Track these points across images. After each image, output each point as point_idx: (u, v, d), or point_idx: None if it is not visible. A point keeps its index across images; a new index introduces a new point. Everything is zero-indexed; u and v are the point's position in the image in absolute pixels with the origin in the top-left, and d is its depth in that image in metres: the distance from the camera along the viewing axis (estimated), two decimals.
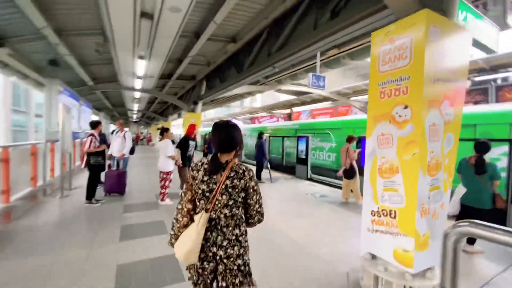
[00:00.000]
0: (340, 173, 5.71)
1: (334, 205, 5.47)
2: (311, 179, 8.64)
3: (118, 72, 8.82)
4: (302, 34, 4.77)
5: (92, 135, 4.98)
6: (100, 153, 5.03)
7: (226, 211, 1.40)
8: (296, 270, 2.78)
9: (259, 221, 1.53)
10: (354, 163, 5.68)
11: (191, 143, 5.55)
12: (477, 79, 12.36)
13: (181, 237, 1.40)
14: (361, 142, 6.70)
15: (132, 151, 6.30)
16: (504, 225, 4.06)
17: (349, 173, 5.63)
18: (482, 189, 3.25)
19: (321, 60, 9.66)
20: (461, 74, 2.38)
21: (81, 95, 11.67)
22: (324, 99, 17.66)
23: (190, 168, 1.50)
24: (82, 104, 11.18)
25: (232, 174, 1.40)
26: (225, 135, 1.44)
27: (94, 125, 5.24)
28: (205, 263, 1.38)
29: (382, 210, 2.37)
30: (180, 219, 1.48)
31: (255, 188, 1.47)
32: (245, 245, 1.45)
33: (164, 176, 5.11)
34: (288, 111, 25.43)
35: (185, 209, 1.48)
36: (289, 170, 10.72)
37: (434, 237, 2.27)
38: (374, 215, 2.44)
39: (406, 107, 2.21)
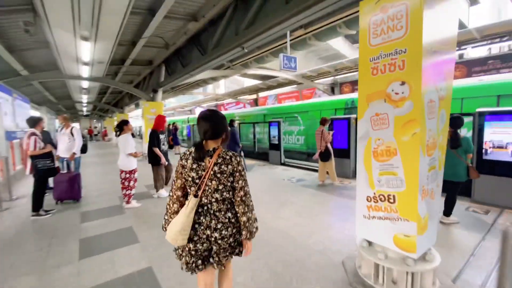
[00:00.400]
0: (317, 156, 5.65)
1: (312, 189, 5.41)
2: (284, 164, 8.56)
3: (58, 58, 7.48)
4: (273, 9, 4.37)
5: (33, 134, 4.10)
6: (47, 155, 4.20)
7: (217, 195, 1.47)
8: (290, 266, 2.58)
9: (244, 214, 1.51)
10: (329, 145, 5.64)
11: (161, 137, 4.99)
12: None
13: (171, 222, 1.49)
14: (333, 124, 6.73)
15: (84, 149, 5.44)
16: (469, 195, 4.39)
17: (325, 156, 5.59)
18: (457, 163, 3.35)
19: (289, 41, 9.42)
20: (452, 45, 2.27)
21: (14, 88, 9.85)
22: (290, 82, 17.64)
23: (179, 158, 1.54)
24: (16, 98, 9.46)
25: (219, 160, 1.46)
26: (210, 123, 1.49)
27: (34, 122, 4.34)
28: (198, 244, 1.47)
29: (379, 195, 2.23)
30: (171, 205, 1.57)
31: (242, 173, 1.52)
32: (237, 225, 1.54)
33: (127, 176, 4.50)
34: (254, 96, 25.09)
35: (175, 196, 1.56)
36: (262, 156, 10.54)
37: (432, 218, 2.21)
38: (370, 200, 2.29)
39: (403, 83, 2.02)
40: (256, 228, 1.57)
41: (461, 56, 13.22)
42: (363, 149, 2.33)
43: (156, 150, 4.86)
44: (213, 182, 1.45)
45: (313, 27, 7.83)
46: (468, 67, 12.28)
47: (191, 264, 1.48)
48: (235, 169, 1.48)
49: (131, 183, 4.56)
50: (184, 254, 1.50)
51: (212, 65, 7.20)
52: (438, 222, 3.31)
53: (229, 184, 1.49)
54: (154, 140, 4.88)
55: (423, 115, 1.96)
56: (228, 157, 1.48)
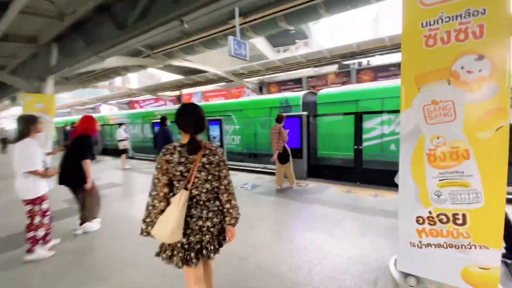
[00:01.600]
0: (275, 157, 4.94)
1: (273, 197, 4.67)
2: (230, 168, 7.55)
3: None
4: None
5: None
6: None
7: (207, 185, 1.51)
8: None
9: (229, 202, 1.58)
10: (287, 145, 5.03)
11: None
12: (345, 62, 14.84)
13: (160, 220, 1.43)
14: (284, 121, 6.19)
15: None
16: None
17: (284, 157, 4.95)
18: None
19: (223, 31, 8.42)
20: None
21: None
22: (219, 79, 16.62)
23: (162, 154, 1.48)
24: None
25: (207, 152, 1.51)
26: (199, 116, 1.52)
27: None
28: (191, 237, 1.46)
29: (438, 215, 1.60)
30: (157, 204, 1.48)
31: (226, 163, 1.60)
32: (222, 212, 1.60)
33: (30, 207, 2.65)
34: (176, 93, 22.75)
35: (162, 194, 1.48)
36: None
37: None
38: (423, 222, 1.65)
39: (480, 57, 1.44)
40: (239, 214, 1.63)
41: (368, 62, 15.32)
42: (410, 152, 1.66)
43: (88, 165, 3.13)
44: (203, 173, 1.48)
45: (253, 16, 7.15)
46: (375, 72, 14.21)
47: (184, 259, 1.45)
48: (220, 159, 1.55)
49: (37, 219, 2.68)
50: (176, 251, 1.47)
51: (132, 45, 5.49)
52: None
53: (217, 173, 1.54)
54: (87, 150, 3.19)
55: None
56: (214, 148, 1.55)
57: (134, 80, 44.19)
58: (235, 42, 5.16)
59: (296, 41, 36.89)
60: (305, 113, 6.06)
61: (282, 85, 17.41)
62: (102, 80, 15.78)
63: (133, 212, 4.15)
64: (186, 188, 1.45)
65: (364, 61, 15.26)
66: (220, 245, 1.59)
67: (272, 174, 6.56)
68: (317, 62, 13.01)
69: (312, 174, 6.07)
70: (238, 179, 6.03)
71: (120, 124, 8.54)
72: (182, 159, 1.46)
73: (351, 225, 3.34)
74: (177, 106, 14.57)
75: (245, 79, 16.42)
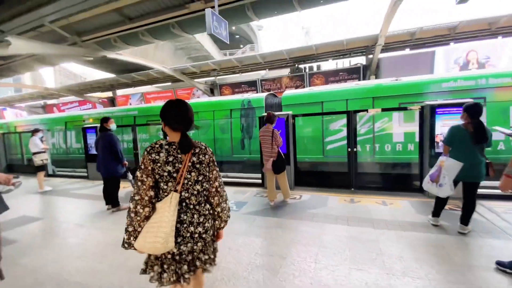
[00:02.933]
0: (269, 167, 3.92)
1: (270, 217, 3.65)
2: None
3: None
4: None
5: None
6: None
7: (198, 187, 1.40)
8: None
9: (219, 205, 1.49)
10: (281, 151, 4.09)
11: None
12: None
13: (148, 227, 1.28)
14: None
15: None
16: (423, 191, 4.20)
17: (279, 166, 3.98)
18: (481, 160, 2.76)
19: (178, 16, 7.00)
20: None
21: None
22: (165, 78, 14.63)
23: (146, 153, 1.35)
24: None
25: (197, 150, 1.41)
26: (189, 113, 1.42)
27: None
28: (182, 246, 1.33)
29: None
30: (141, 210, 1.32)
31: (215, 163, 1.50)
32: (210, 217, 1.47)
33: None
34: (108, 94, 19.39)
35: (147, 198, 1.33)
36: None
37: None
38: None
39: None
40: (229, 217, 1.56)
41: (319, 67, 15.76)
42: None
43: None
44: (193, 173, 1.38)
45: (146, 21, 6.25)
46: (325, 77, 14.61)
47: (176, 273, 1.33)
48: (211, 158, 1.47)
49: None
50: (166, 264, 1.33)
51: (46, 16, 3.75)
52: None
53: (207, 174, 1.44)
54: None
55: None
56: (203, 147, 1.45)
57: (49, 80, 36.58)
58: (214, 17, 3.97)
59: (241, 46, 36.73)
60: (290, 112, 5.25)
61: (236, 87, 16.51)
62: (3, 75, 12.05)
63: (65, 267, 2.55)
64: (175, 190, 1.32)
65: (315, 66, 15.73)
66: (215, 254, 1.48)
67: (252, 185, 5.52)
68: (274, 63, 12.58)
69: (297, 182, 5.30)
70: None
71: (33, 132, 6.19)
72: (171, 158, 1.34)
73: (403, 250, 2.59)
74: (112, 109, 11.98)
75: (196, 80, 14.89)
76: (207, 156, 1.43)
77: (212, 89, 16.80)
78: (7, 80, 14.73)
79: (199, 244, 1.37)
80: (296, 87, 15.17)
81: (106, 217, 4.03)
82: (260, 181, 5.59)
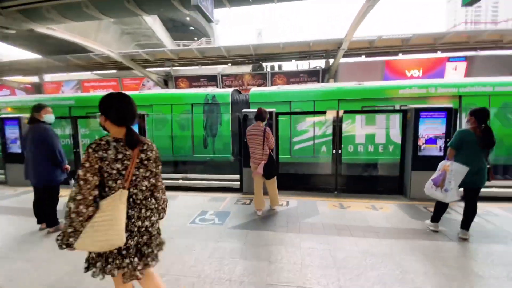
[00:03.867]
0: (260, 171, 3.36)
1: (263, 230, 3.12)
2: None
3: None
4: None
5: None
6: None
7: (146, 182, 1.41)
8: None
9: (163, 199, 1.54)
10: (272, 153, 3.58)
11: None
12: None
13: (95, 226, 1.24)
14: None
15: None
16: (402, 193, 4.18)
17: (272, 169, 3.46)
18: (485, 166, 2.74)
19: None
20: None
21: None
22: (110, 64, 12.61)
23: (92, 150, 1.27)
24: None
25: (145, 147, 1.40)
26: (134, 107, 1.38)
27: None
28: (129, 240, 1.33)
29: None
30: (84, 210, 1.25)
31: (160, 159, 1.50)
32: (156, 211, 1.48)
33: None
34: (34, 79, 15.98)
35: (91, 198, 1.27)
36: None
37: None
38: None
39: None
40: (167, 206, 1.60)
41: (280, 67, 15.78)
42: None
43: None
44: (141, 170, 1.38)
45: None
46: (287, 77, 14.69)
47: (121, 267, 1.32)
48: (157, 154, 1.47)
49: None
50: (111, 258, 1.31)
51: None
52: None
53: (154, 169, 1.45)
54: None
55: None
56: (149, 143, 1.45)
57: None
58: None
59: (195, 38, 34.86)
60: (273, 109, 4.79)
61: (194, 80, 15.37)
62: None
63: None
64: (123, 187, 1.30)
65: (276, 66, 15.70)
66: (158, 249, 1.47)
67: (229, 190, 4.89)
68: (238, 58, 12.00)
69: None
70: (191, 207, 4.00)
71: None
72: (120, 156, 1.30)
73: (424, 265, 2.36)
74: (37, 96, 9.81)
75: (148, 69, 13.26)
76: (154, 152, 1.44)
77: (166, 81, 15.31)
78: None
79: (144, 237, 1.38)
80: (258, 85, 14.90)
81: (40, 241, 2.93)
82: (237, 183, 5.00)
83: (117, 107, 1.31)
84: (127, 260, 1.32)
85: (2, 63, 13.22)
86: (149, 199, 1.44)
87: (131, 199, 1.35)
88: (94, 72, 16.39)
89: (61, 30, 8.29)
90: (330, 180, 4.74)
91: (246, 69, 15.51)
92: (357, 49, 11.09)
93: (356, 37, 10.10)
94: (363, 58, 13.26)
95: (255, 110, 3.57)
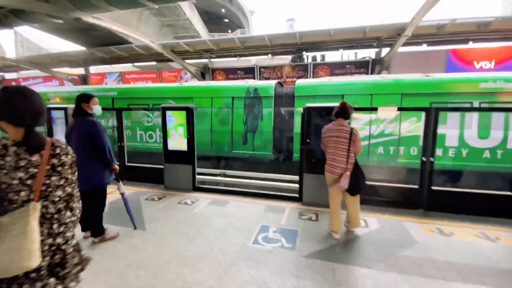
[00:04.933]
0: (345, 183, 2.60)
1: (352, 265, 2.38)
2: (200, 189, 4.61)
3: None
4: None
5: None
6: None
7: (59, 192, 1.20)
8: None
9: (78, 208, 1.29)
10: (357, 161, 2.78)
11: None
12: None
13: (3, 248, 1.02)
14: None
15: None
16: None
17: (359, 183, 2.67)
18: None
19: None
20: None
21: None
22: (150, 56, 12.56)
23: None
24: None
25: (58, 151, 1.20)
26: (35, 103, 1.15)
27: None
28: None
29: None
30: None
31: (76, 164, 1.30)
32: (77, 223, 1.30)
33: None
34: (80, 71, 16.74)
35: None
36: (145, 174, 5.50)
37: None
38: None
39: None
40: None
41: (323, 58, 14.61)
42: None
43: None
44: (53, 177, 1.17)
45: None
46: (331, 69, 13.50)
47: None
48: (73, 158, 1.27)
49: None
50: (16, 284, 1.08)
51: None
52: None
53: (70, 176, 1.25)
54: None
55: None
56: (63, 146, 1.24)
57: (10, 53, 31.67)
58: None
59: (229, 30, 34.49)
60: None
61: (231, 73, 14.87)
62: None
63: None
64: (29, 200, 1.10)
65: (318, 56, 14.57)
66: (80, 268, 1.26)
67: (284, 198, 4.17)
68: (279, 48, 11.15)
69: None
70: (240, 215, 3.39)
71: None
72: (22, 162, 1.10)
73: None
74: (81, 87, 9.82)
75: (187, 61, 13.00)
76: (69, 156, 1.23)
77: (203, 73, 15.01)
78: None
79: (56, 256, 1.17)
80: (298, 78, 13.97)
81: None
82: (292, 185, 4.28)
83: (12, 104, 1.12)
84: (39, 284, 1.11)
85: (52, 55, 13.90)
86: (63, 212, 1.21)
87: (41, 212, 1.15)
88: (135, 64, 16.68)
89: (106, 19, 8.18)
90: (414, 194, 3.80)
91: (279, 61, 14.63)
92: (419, 36, 9.61)
93: (423, 21, 8.67)
94: (423, 47, 11.62)
95: (331, 104, 2.79)
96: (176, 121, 4.64)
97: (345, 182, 2.60)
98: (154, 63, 14.82)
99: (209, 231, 2.98)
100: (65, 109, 5.06)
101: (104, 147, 2.53)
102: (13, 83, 19.01)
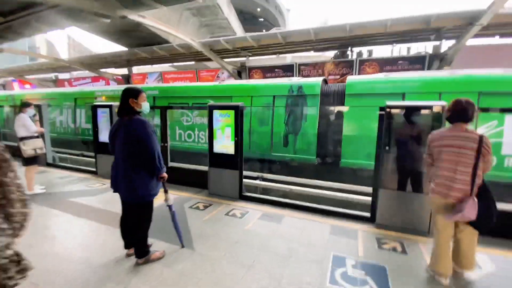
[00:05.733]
0: (470, 215, 1.86)
1: None
2: (247, 198, 4.08)
3: None
4: None
5: None
6: None
7: None
8: None
9: (22, 213, 1.14)
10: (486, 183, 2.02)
11: None
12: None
13: None
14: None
15: None
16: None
17: (490, 214, 1.91)
18: None
19: None
20: None
21: None
22: (190, 54, 12.53)
23: None
24: None
25: None
26: None
27: None
28: None
29: None
30: None
31: (11, 163, 1.15)
32: (9, 232, 1.12)
33: None
34: (123, 71, 17.51)
35: None
36: (187, 176, 5.14)
37: None
38: None
39: None
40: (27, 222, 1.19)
41: (370, 53, 13.37)
42: None
43: None
44: None
45: None
46: (380, 65, 12.26)
47: None
48: (1, 158, 1.13)
49: None
50: None
51: None
52: None
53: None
54: None
55: None
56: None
57: (64, 56, 34.89)
58: None
59: (263, 30, 34.06)
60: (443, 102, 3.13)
61: (268, 71, 14.33)
62: (5, 38, 10.20)
63: None
64: None
65: (364, 51, 13.40)
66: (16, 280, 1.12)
67: (351, 217, 3.45)
68: (323, 42, 10.30)
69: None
70: (302, 238, 2.77)
71: (22, 107, 4.27)
72: None
73: None
74: (122, 86, 9.90)
75: (225, 59, 12.74)
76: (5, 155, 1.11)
77: (240, 72, 14.68)
78: (12, 45, 12.86)
79: None
80: (342, 75, 12.96)
81: (126, 277, 2.09)
82: (359, 197, 3.54)
83: None
84: None
85: (99, 56, 14.66)
86: None
87: None
88: (173, 64, 16.97)
89: (150, 18, 8.14)
90: None
91: (315, 58, 13.71)
92: (492, 27, 8.10)
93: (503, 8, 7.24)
94: (496, 39, 9.92)
95: (423, 103, 2.02)
96: (223, 121, 4.17)
97: (471, 212, 1.85)
98: (191, 63, 14.87)
99: (270, 259, 2.41)
100: (110, 106, 4.89)
101: (154, 152, 2.09)
102: (66, 83, 20.59)
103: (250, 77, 14.72)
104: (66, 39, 25.46)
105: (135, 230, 2.24)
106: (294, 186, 5.32)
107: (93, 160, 5.49)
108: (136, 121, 2.09)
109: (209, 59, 12.45)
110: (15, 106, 11.17)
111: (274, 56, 14.29)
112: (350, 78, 7.37)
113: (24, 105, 4.28)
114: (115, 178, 2.16)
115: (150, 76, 17.15)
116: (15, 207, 1.11)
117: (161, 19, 10.29)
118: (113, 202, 3.81)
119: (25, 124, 4.19)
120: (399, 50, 13.26)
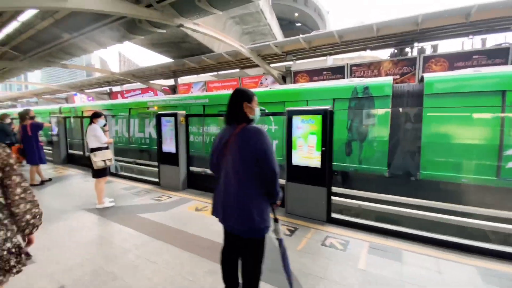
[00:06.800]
0: None
1: None
2: (337, 221, 3.39)
3: None
4: None
5: None
6: None
7: None
8: None
9: (28, 211, 1.26)
10: None
11: None
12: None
13: None
14: None
15: None
16: None
17: None
18: None
19: None
20: None
21: None
22: (236, 62, 12.38)
23: None
24: None
25: None
26: None
27: None
28: None
29: None
30: None
31: (15, 167, 1.26)
32: (11, 227, 1.25)
33: None
34: (170, 82, 18.18)
35: None
36: None
37: None
38: None
39: None
40: (41, 222, 1.34)
41: (435, 48, 11.86)
42: None
43: None
44: None
45: None
46: (449, 62, 10.72)
47: None
48: (5, 161, 1.23)
49: None
50: None
51: None
52: None
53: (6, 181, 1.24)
54: None
55: None
56: None
57: (114, 67, 38.29)
58: None
59: (300, 34, 33.45)
60: None
61: (315, 74, 13.56)
62: (59, 58, 11.07)
63: None
64: None
65: (427, 47, 11.92)
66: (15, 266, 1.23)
67: (486, 252, 2.55)
68: (391, 38, 9.27)
69: None
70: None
71: (93, 118, 4.17)
72: None
73: None
74: (177, 96, 9.65)
75: (271, 65, 12.33)
76: None
77: (284, 77, 14.14)
78: (75, 60, 14.11)
79: None
80: (402, 74, 11.66)
81: None
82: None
83: None
84: None
85: (149, 68, 15.37)
86: None
87: None
88: (216, 72, 17.13)
89: (204, 26, 8.06)
90: None
91: (363, 59, 12.49)
92: None
93: None
94: None
95: None
96: (305, 129, 3.57)
97: None
98: (234, 70, 14.78)
99: None
100: (175, 115, 4.63)
101: (276, 173, 1.54)
102: (119, 95, 22.15)
103: (295, 81, 14.10)
104: (117, 56, 27.72)
105: (246, 273, 1.70)
106: (381, 204, 4.48)
107: (148, 168, 5.32)
108: (253, 132, 1.56)
109: (253, 66, 12.18)
110: (77, 117, 12.04)
111: (314, 59, 13.51)
112: (429, 76, 6.34)
113: (95, 115, 4.17)
114: (223, 207, 1.65)
115: (195, 86, 17.50)
116: (20, 208, 1.19)
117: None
118: (186, 220, 3.41)
119: (96, 134, 4.07)
120: (472, 43, 11.55)
